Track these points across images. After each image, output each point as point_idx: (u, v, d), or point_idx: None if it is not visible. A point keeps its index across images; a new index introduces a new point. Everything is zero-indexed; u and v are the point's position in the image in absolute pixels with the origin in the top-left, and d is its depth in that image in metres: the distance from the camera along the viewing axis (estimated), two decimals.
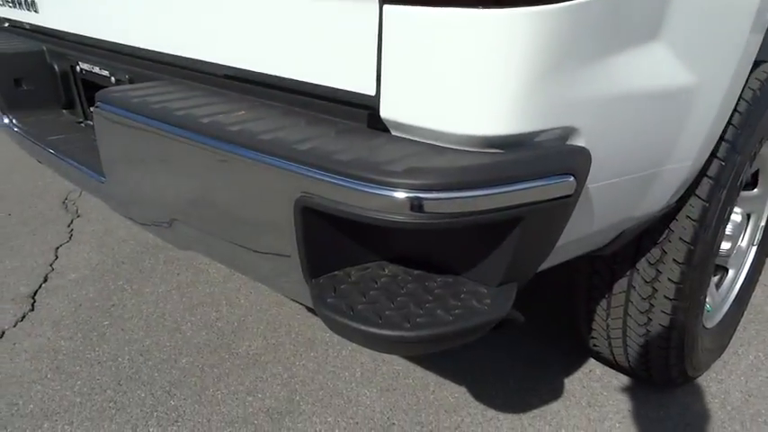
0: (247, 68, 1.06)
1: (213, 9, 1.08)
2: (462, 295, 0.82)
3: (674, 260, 1.40)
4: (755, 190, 1.88)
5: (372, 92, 0.86)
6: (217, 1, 1.07)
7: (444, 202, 0.70)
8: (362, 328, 0.75)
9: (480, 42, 0.75)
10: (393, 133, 0.87)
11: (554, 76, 0.79)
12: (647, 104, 0.98)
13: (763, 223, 1.96)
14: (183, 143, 0.94)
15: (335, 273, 0.86)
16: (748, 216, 1.93)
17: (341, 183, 0.73)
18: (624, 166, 1.02)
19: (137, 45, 1.32)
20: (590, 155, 0.85)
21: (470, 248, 0.83)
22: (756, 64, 1.45)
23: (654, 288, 1.45)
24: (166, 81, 1.23)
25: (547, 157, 0.78)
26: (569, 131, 0.85)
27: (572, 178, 0.80)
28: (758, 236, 1.96)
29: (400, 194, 0.70)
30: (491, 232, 0.79)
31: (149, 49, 1.29)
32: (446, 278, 0.87)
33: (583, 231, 1.06)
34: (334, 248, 0.85)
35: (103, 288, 2.24)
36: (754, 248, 1.97)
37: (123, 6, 1.32)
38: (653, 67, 0.96)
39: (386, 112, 0.85)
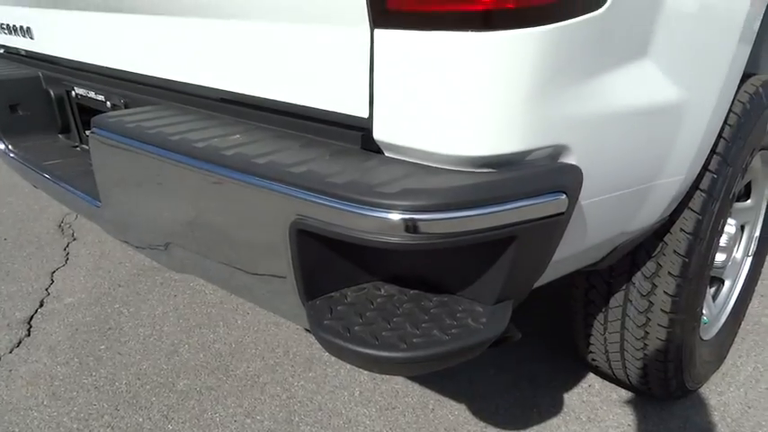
0: (242, 92, 1.07)
1: (207, 35, 1.09)
2: (458, 314, 0.82)
3: (669, 273, 1.41)
4: (748, 201, 1.90)
5: (365, 114, 0.87)
6: (211, 27, 1.08)
7: (438, 222, 0.71)
8: (359, 349, 0.75)
9: (471, 64, 0.76)
10: (386, 154, 0.88)
11: (544, 96, 0.80)
12: (637, 121, 0.99)
13: (757, 234, 1.97)
14: (178, 168, 0.95)
15: (332, 294, 0.87)
16: (742, 227, 1.94)
17: (335, 205, 0.73)
18: (616, 182, 1.03)
19: (131, 70, 1.34)
20: (581, 172, 0.86)
21: (465, 267, 0.84)
22: (746, 77, 1.47)
23: (650, 301, 1.45)
24: (161, 105, 1.24)
25: (538, 175, 0.79)
26: (560, 149, 0.86)
27: (564, 196, 0.81)
28: (753, 246, 1.97)
29: (395, 216, 0.70)
30: (485, 251, 0.80)
31: (144, 73, 1.30)
32: (442, 297, 0.87)
33: (577, 247, 1.07)
34: (330, 270, 0.85)
35: (100, 312, 2.23)
36: (750, 259, 1.98)
37: (117, 32, 1.34)
38: (642, 84, 0.97)
39: (379, 133, 0.86)
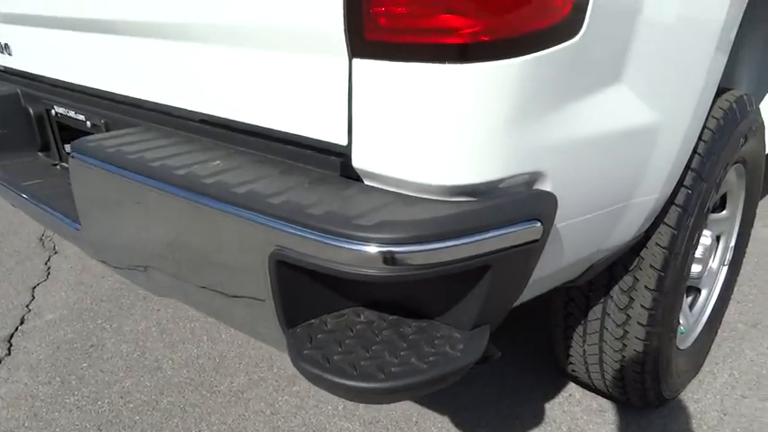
0: (222, 116, 1.07)
1: (188, 58, 1.10)
2: (436, 341, 0.84)
3: (645, 287, 1.43)
4: (724, 212, 1.93)
5: (344, 142, 0.88)
6: (191, 50, 1.09)
7: (415, 254, 0.72)
8: (338, 380, 0.76)
9: (447, 96, 0.78)
10: (366, 182, 0.89)
11: (520, 125, 0.82)
12: (612, 144, 1.01)
13: (732, 243, 2.01)
14: (159, 195, 0.95)
15: (312, 321, 0.88)
16: (718, 237, 1.98)
17: (314, 237, 0.74)
18: (591, 204, 1.05)
19: (112, 90, 1.34)
20: (556, 199, 0.87)
21: (442, 294, 0.85)
22: (721, 92, 1.50)
23: (627, 315, 1.48)
24: (142, 128, 1.24)
25: (513, 204, 0.81)
26: (536, 176, 0.88)
27: (538, 224, 0.83)
28: (728, 256, 2.01)
29: (372, 248, 0.72)
30: (460, 279, 0.81)
31: (125, 94, 1.30)
32: (420, 323, 0.89)
33: (553, 267, 1.09)
34: (311, 298, 0.86)
35: (82, 328, 2.21)
36: (725, 268, 2.02)
37: (98, 52, 1.33)
38: (616, 109, 0.99)
39: (358, 161, 0.88)
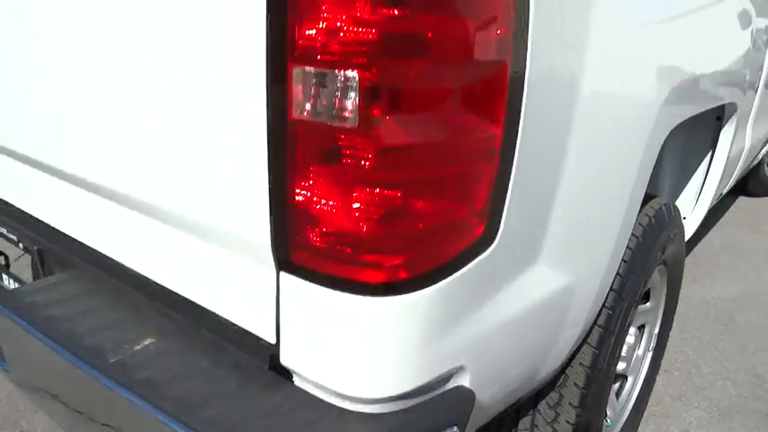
0: (159, 282, 1.09)
1: (129, 220, 1.11)
2: None
3: (569, 403, 1.51)
4: (648, 304, 2.04)
5: (273, 340, 0.92)
6: (133, 216, 1.09)
7: None
8: None
9: (365, 322, 0.82)
10: (295, 381, 0.92)
11: (436, 338, 0.86)
12: (529, 318, 1.07)
13: (656, 331, 2.11)
14: (88, 378, 0.96)
15: None
16: (642, 327, 2.08)
17: None
18: (512, 368, 1.11)
19: (50, 223, 1.32)
20: (474, 395, 0.93)
21: None
22: (646, 198, 1.55)
23: (554, 428, 1.55)
24: (76, 274, 1.23)
25: (429, 415, 0.86)
26: (456, 371, 0.93)
27: (455, 428, 0.88)
28: (653, 342, 2.12)
29: None
30: None
31: (63, 231, 1.29)
32: None
33: (480, 415, 1.13)
34: None
35: (10, 410, 2.13)
36: (651, 353, 2.12)
37: (41, 185, 1.31)
38: (533, 288, 1.05)
39: (286, 360, 0.91)
